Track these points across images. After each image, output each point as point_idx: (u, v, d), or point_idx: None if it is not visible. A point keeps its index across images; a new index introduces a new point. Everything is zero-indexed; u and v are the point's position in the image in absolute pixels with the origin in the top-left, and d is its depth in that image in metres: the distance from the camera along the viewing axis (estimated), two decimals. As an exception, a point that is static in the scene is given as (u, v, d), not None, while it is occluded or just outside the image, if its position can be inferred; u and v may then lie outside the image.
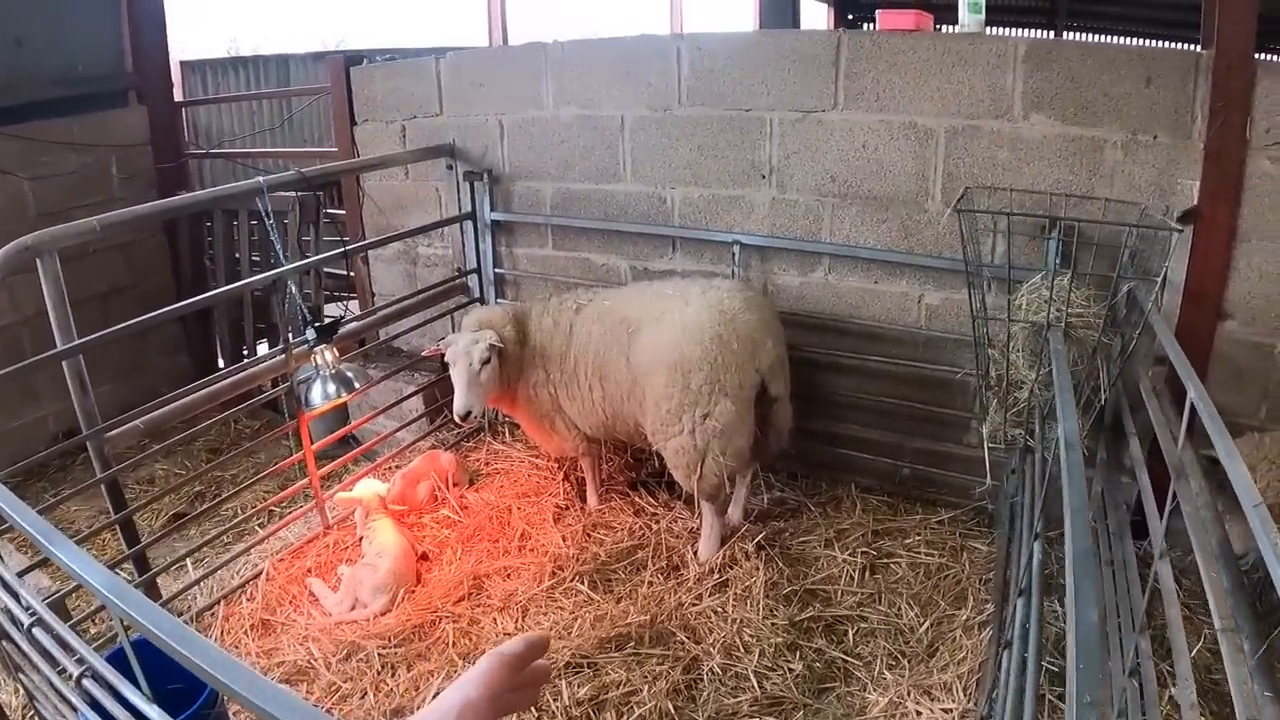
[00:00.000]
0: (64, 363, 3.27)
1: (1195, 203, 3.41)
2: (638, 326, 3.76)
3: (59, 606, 3.29)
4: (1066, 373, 2.72)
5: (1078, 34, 8.48)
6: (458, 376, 3.86)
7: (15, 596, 2.30)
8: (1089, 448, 3.23)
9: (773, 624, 3.44)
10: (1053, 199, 3.56)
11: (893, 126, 3.84)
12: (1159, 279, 3.16)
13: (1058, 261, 3.47)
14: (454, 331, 5.12)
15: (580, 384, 3.97)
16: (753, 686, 3.18)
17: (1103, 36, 8.41)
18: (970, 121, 3.71)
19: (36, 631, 2.16)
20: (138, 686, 1.72)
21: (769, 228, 4.21)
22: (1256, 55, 3.26)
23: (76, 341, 3.22)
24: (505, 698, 1.09)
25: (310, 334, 3.76)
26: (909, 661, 3.33)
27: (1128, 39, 7.70)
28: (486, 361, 3.83)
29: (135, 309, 3.36)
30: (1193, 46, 3.55)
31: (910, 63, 3.74)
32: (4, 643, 2.61)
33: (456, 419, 3.91)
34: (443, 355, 3.97)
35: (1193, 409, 2.27)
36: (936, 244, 3.92)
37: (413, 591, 3.82)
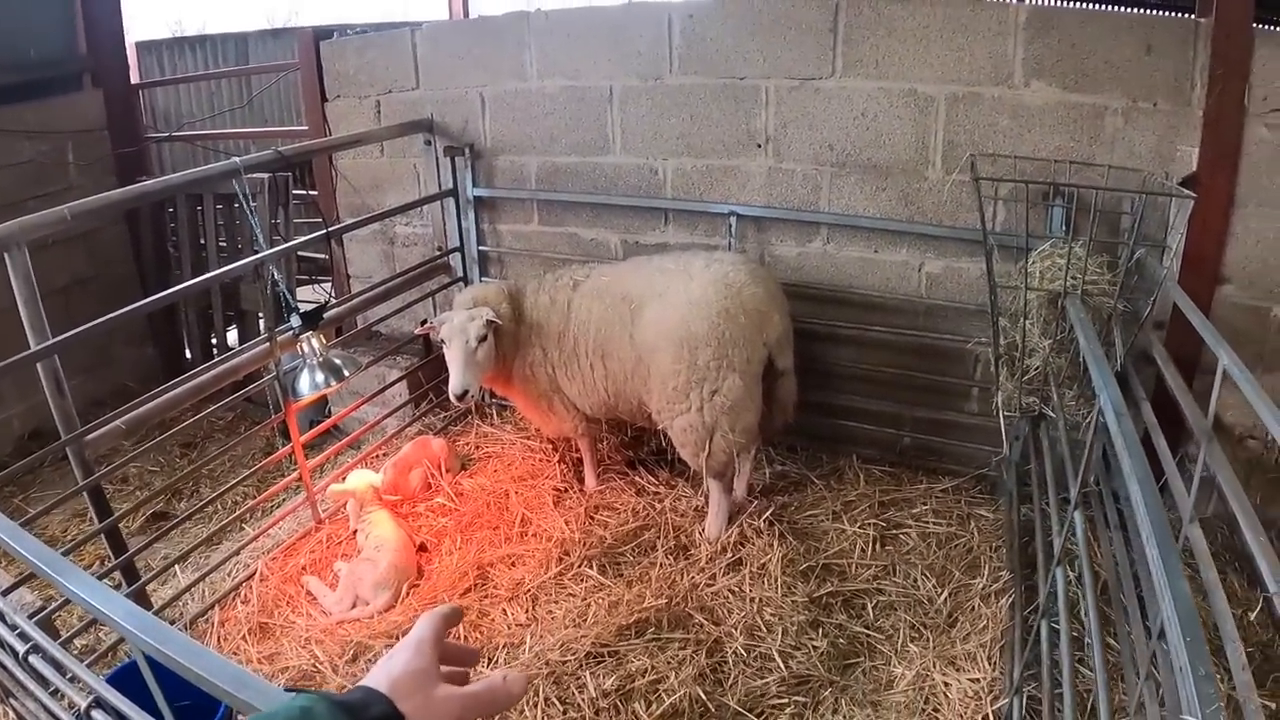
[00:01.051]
0: (39, 364, 3.07)
1: (1194, 169, 3.42)
2: (640, 303, 3.65)
3: (47, 624, 3.11)
4: (1096, 340, 2.67)
5: (1078, 1, 8.48)
6: (453, 355, 3.74)
7: (5, 621, 2.17)
8: (1088, 414, 3.19)
9: (793, 601, 3.38)
10: (1055, 166, 3.52)
11: (892, 94, 3.78)
12: (1174, 245, 3.17)
13: (1064, 228, 3.45)
14: (436, 313, 5.01)
15: (580, 363, 3.86)
16: (778, 666, 3.12)
17: (1102, 5, 8.41)
18: (971, 88, 3.66)
19: (33, 659, 2.05)
20: (156, 713, 1.62)
21: (765, 198, 4.13)
22: (1255, 25, 3.28)
23: (50, 340, 3.02)
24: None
25: (295, 320, 3.58)
26: (931, 633, 3.30)
27: (1127, 8, 7.70)
28: (483, 339, 3.72)
29: (99, 301, 3.18)
30: (1191, 16, 3.52)
31: (910, 29, 3.67)
32: None
33: (453, 399, 3.79)
34: (434, 334, 3.85)
35: (1225, 376, 2.28)
36: (937, 212, 3.87)
37: (415, 585, 3.71)
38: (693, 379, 3.51)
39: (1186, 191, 3.11)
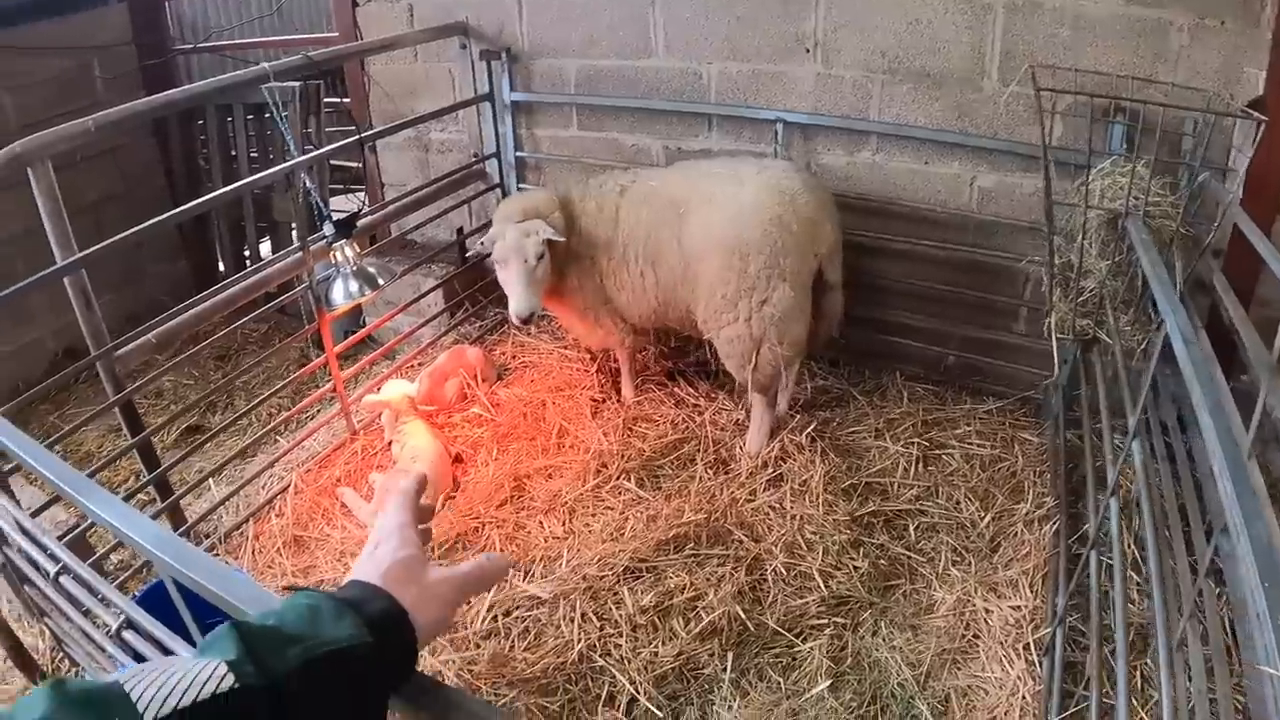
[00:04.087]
0: (66, 280, 3.03)
1: (1261, 92, 3.19)
2: (689, 207, 3.49)
3: (80, 543, 3.10)
4: (1160, 262, 2.53)
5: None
6: (511, 276, 3.52)
7: (36, 542, 2.18)
8: (1143, 340, 3.06)
9: (834, 520, 3.31)
10: (1116, 81, 3.30)
11: None
12: (1239, 170, 2.98)
13: (1124, 147, 3.27)
14: (472, 221, 4.91)
15: (630, 271, 3.70)
16: (818, 586, 3.07)
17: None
18: (1031, -4, 3.45)
19: (64, 580, 2.06)
20: (187, 636, 1.61)
21: (813, 105, 3.94)
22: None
23: (77, 255, 2.97)
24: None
25: (328, 229, 3.48)
26: (973, 557, 3.24)
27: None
28: (542, 256, 3.51)
29: (129, 217, 3.09)
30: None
31: (970, -70, 3.45)
32: (27, 587, 2.48)
33: (515, 324, 3.64)
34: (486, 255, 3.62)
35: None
36: (992, 124, 3.68)
37: (451, 497, 3.68)
38: (742, 288, 3.39)
39: (1256, 114, 2.93)
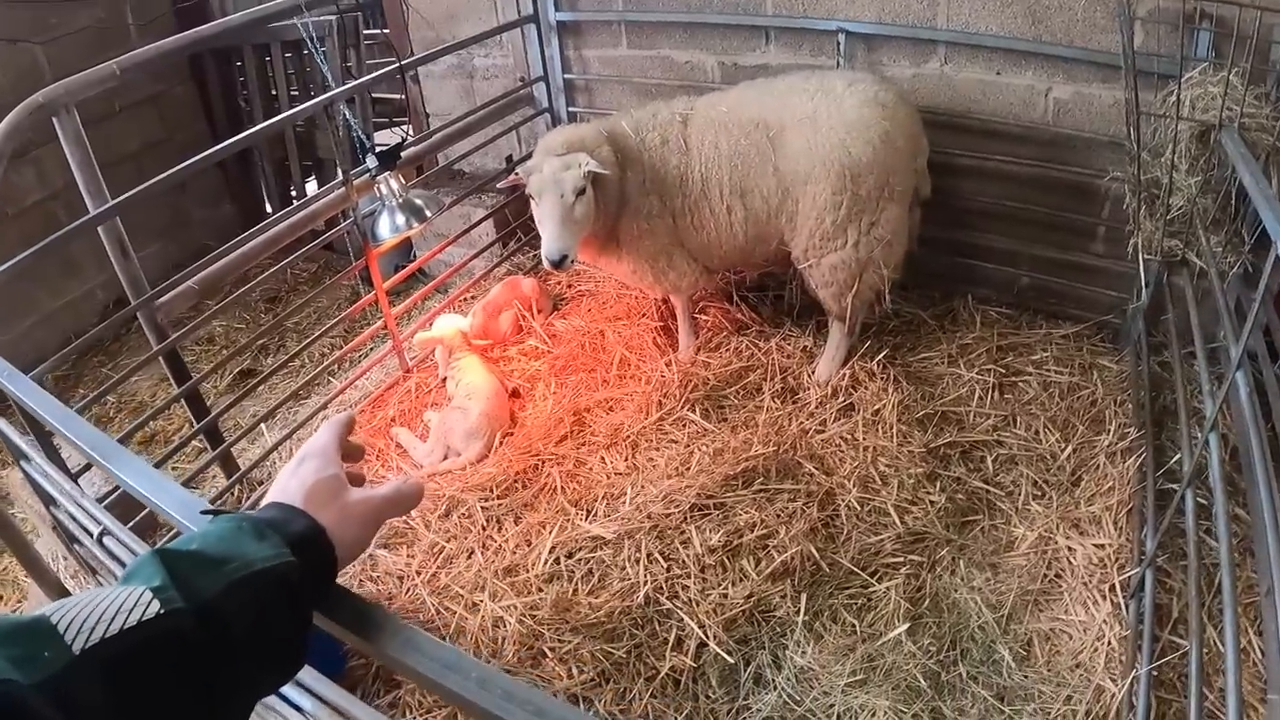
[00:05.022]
0: (100, 228, 2.96)
1: None
2: (780, 128, 3.22)
3: (126, 501, 3.01)
4: (1263, 178, 2.31)
5: None
6: (545, 212, 3.14)
7: (77, 504, 2.20)
8: (1235, 262, 2.85)
9: (909, 452, 3.15)
10: None
11: (1023, -104, 3.28)
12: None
13: (1210, 54, 3.00)
14: (521, 148, 4.74)
15: (713, 207, 3.39)
16: (893, 522, 2.93)
17: None
18: (1109, -110, 3.15)
19: (107, 540, 2.09)
20: None
21: (877, 13, 3.68)
22: None
23: (110, 203, 2.90)
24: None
25: (371, 161, 3.34)
26: (1054, 491, 3.06)
27: None
28: (581, 191, 3.12)
29: (172, 164, 3.00)
30: None
31: None
32: (76, 546, 2.47)
33: (547, 266, 3.19)
34: (522, 187, 3.28)
35: None
36: (1068, 32, 3.39)
37: (509, 434, 3.58)
38: (853, 211, 3.17)
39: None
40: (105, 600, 0.76)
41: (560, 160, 3.15)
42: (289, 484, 1.03)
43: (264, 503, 1.02)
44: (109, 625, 0.74)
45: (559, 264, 3.15)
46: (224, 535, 0.89)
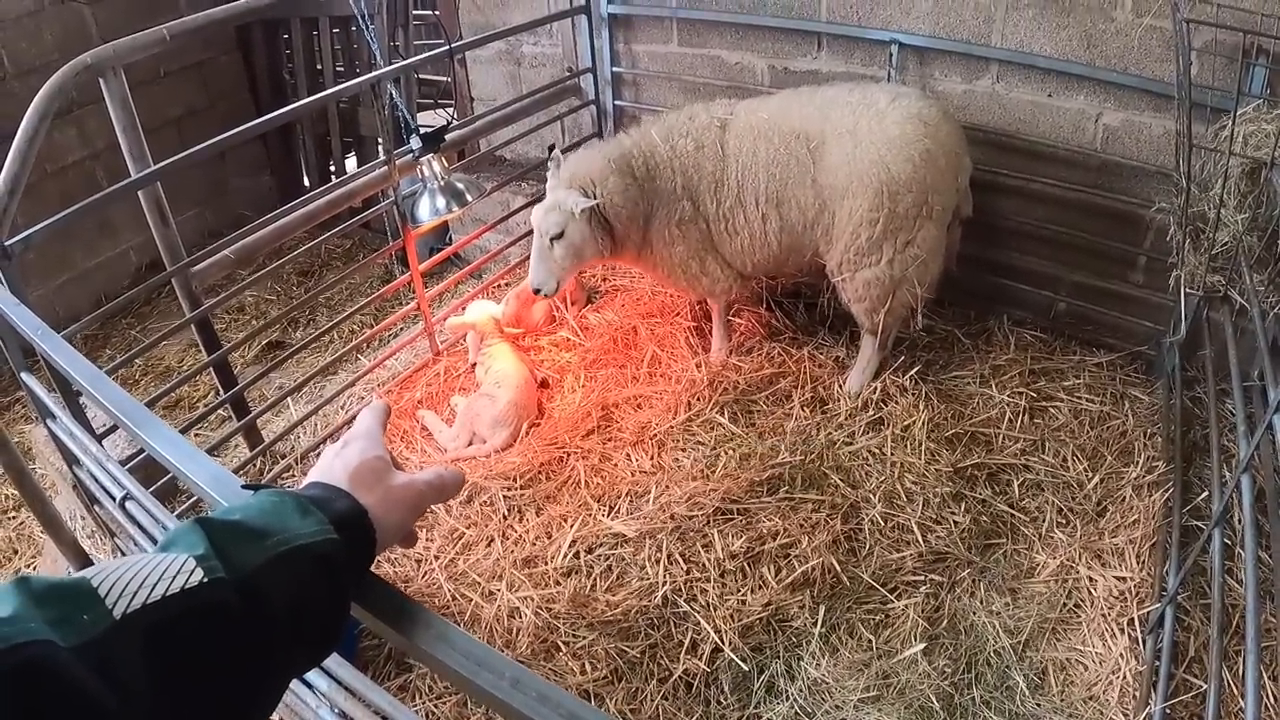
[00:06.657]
0: (140, 192, 2.98)
1: None
2: (820, 140, 3.20)
3: (151, 464, 3.05)
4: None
5: None
6: (533, 244, 3.37)
7: (102, 466, 2.20)
8: (1277, 302, 2.81)
9: (936, 470, 3.13)
10: (1261, 19, 2.96)
11: (1083, -81, 3.25)
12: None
13: (1266, 90, 2.96)
14: (565, 139, 4.73)
15: (748, 214, 3.39)
16: (916, 540, 2.90)
17: None
18: (1171, -81, 3.11)
19: (129, 505, 2.08)
20: None
21: (931, 27, 3.65)
22: None
23: (153, 168, 2.90)
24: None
25: (415, 142, 3.34)
26: (1078, 520, 3.02)
27: None
28: (559, 236, 3.27)
29: (213, 132, 3.00)
30: None
31: None
32: (96, 507, 2.47)
33: (530, 292, 3.48)
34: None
35: None
36: (1123, 58, 3.35)
37: (536, 424, 3.58)
38: (890, 228, 3.13)
39: None
40: (148, 566, 0.75)
41: (552, 198, 3.29)
42: (333, 464, 1.02)
43: (305, 482, 1.01)
44: (151, 591, 0.72)
45: (537, 294, 3.42)
46: (266, 509, 0.88)
